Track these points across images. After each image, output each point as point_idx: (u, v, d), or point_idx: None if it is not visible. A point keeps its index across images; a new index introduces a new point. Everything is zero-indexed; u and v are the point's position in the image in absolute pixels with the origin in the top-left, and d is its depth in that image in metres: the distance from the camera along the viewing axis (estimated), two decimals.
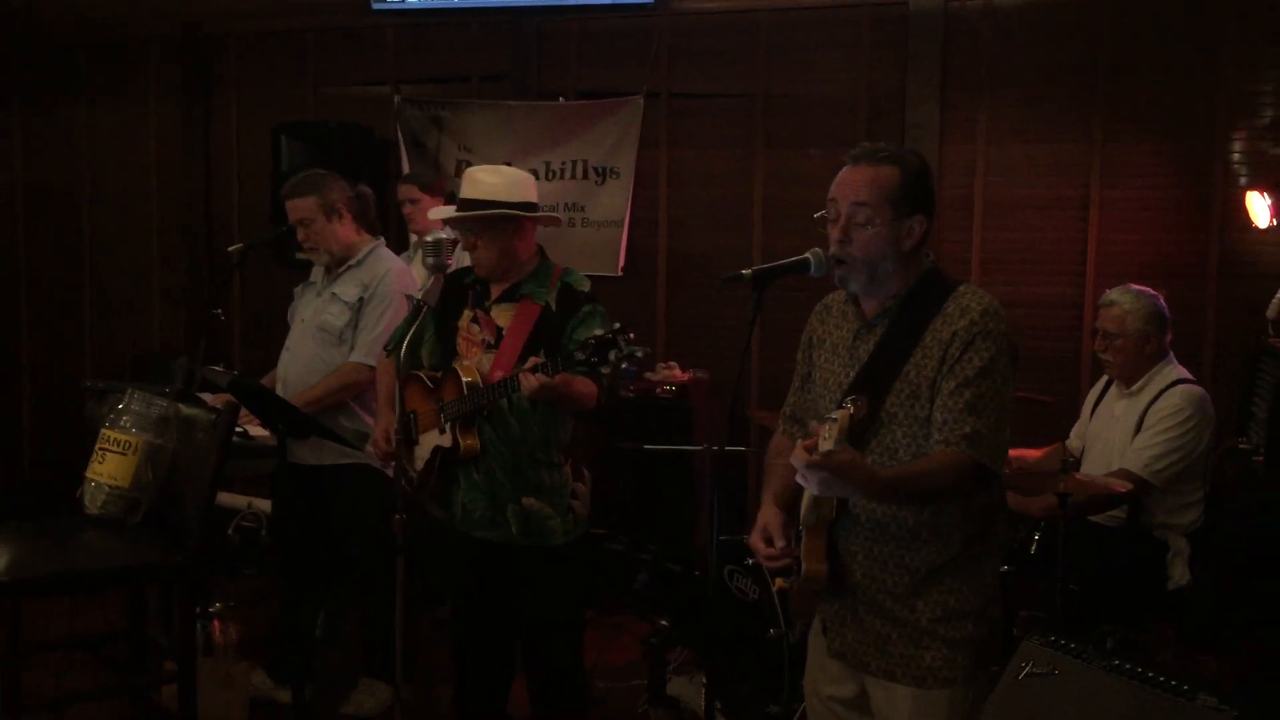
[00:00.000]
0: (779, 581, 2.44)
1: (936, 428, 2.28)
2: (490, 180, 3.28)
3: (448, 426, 3.29)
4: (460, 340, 3.37)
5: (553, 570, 3.35)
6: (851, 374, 2.40)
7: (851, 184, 2.35)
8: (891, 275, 2.36)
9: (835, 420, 2.00)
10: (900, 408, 2.31)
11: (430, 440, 3.36)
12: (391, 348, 3.53)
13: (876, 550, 2.37)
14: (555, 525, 3.31)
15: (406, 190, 4.94)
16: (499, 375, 3.19)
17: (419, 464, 3.41)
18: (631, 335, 2.92)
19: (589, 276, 3.43)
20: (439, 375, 3.36)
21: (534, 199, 3.33)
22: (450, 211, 3.36)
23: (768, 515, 2.44)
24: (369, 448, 3.51)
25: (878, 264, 2.35)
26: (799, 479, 2.16)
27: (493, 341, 3.29)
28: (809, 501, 2.29)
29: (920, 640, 2.35)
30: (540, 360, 3.03)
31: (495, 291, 3.34)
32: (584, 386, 3.13)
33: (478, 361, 3.30)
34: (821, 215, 2.41)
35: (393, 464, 3.40)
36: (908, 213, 2.34)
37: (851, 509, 2.38)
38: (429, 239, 3.16)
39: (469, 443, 3.27)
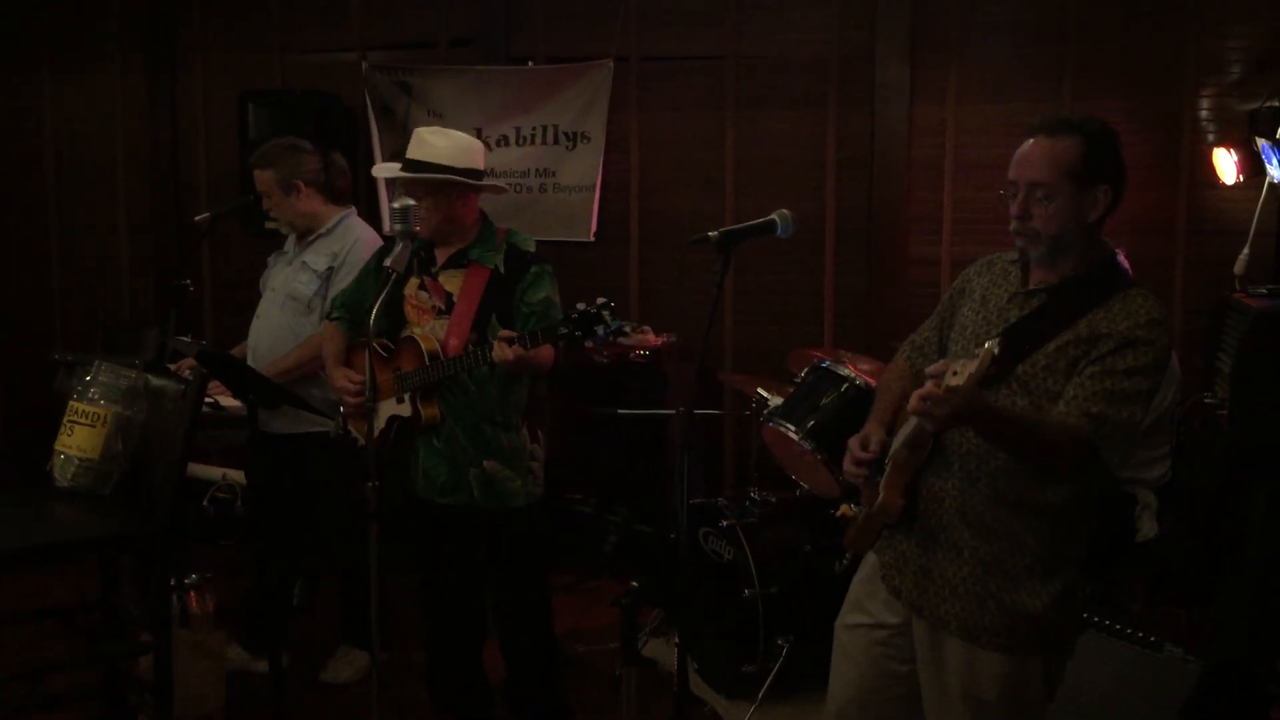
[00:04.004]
0: (844, 508, 2.43)
1: (1065, 400, 2.19)
2: (437, 143, 3.27)
3: (406, 397, 3.29)
4: (409, 308, 3.36)
5: (516, 532, 3.36)
6: (993, 332, 2.30)
7: (1029, 162, 2.27)
8: (1073, 249, 2.28)
9: (977, 357, 1.95)
10: (1032, 377, 2.23)
11: (386, 409, 3.35)
12: (338, 314, 3.54)
13: (967, 503, 2.30)
14: (516, 487, 3.33)
15: None
16: (454, 342, 3.20)
17: (375, 432, 3.40)
18: (613, 304, 2.90)
19: (561, 243, 3.40)
20: (393, 345, 3.35)
21: (481, 166, 3.34)
22: (394, 169, 3.34)
23: (873, 429, 2.41)
24: (341, 407, 3.50)
25: (1060, 238, 2.26)
26: (912, 409, 2.09)
27: (444, 308, 3.29)
28: (906, 438, 2.25)
29: (985, 603, 2.29)
30: (514, 334, 3.01)
31: (441, 257, 3.34)
32: (545, 353, 3.14)
33: (430, 328, 3.29)
34: (1001, 194, 2.34)
35: (359, 424, 3.39)
36: (1090, 184, 2.25)
37: (945, 454, 2.30)
38: (396, 205, 3.13)
39: (430, 412, 3.28)
